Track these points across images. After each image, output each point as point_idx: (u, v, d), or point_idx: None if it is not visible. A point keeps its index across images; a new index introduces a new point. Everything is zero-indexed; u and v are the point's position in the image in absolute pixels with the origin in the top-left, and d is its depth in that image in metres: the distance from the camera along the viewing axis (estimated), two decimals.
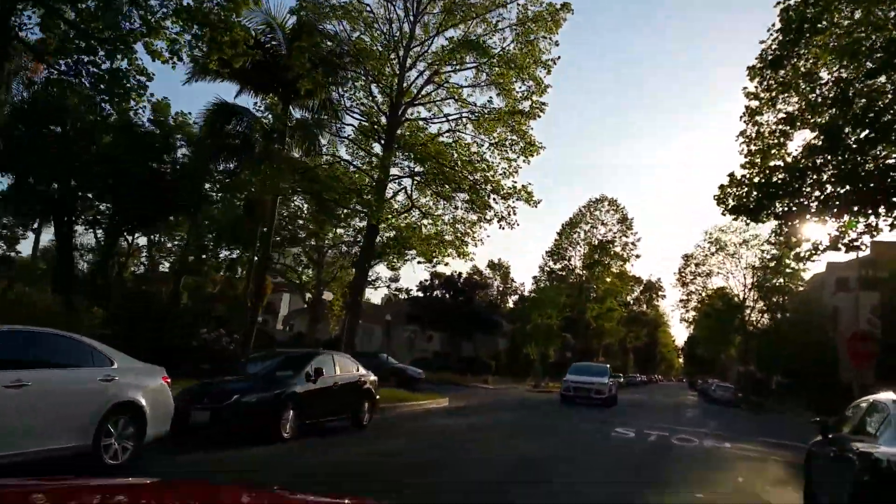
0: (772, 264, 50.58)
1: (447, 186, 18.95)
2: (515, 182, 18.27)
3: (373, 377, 12.69)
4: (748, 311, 52.74)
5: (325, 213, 20.77)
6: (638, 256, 53.01)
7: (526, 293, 48.98)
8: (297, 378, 9.98)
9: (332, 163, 19.74)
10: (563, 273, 54.59)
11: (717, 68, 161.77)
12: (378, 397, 12.79)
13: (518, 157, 18.39)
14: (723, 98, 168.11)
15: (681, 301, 54.37)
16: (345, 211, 19.04)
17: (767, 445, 15.34)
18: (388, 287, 46.56)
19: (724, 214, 14.42)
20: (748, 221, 14.02)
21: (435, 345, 54.93)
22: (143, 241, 40.25)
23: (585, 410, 19.44)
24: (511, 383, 42.27)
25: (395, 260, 43.19)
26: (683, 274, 53.09)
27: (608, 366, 27.25)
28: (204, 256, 39.59)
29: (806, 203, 13.15)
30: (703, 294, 52.93)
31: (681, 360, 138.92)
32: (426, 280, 50.64)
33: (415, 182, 19.68)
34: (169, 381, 7.46)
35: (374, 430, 11.67)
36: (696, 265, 52.77)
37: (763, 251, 49.87)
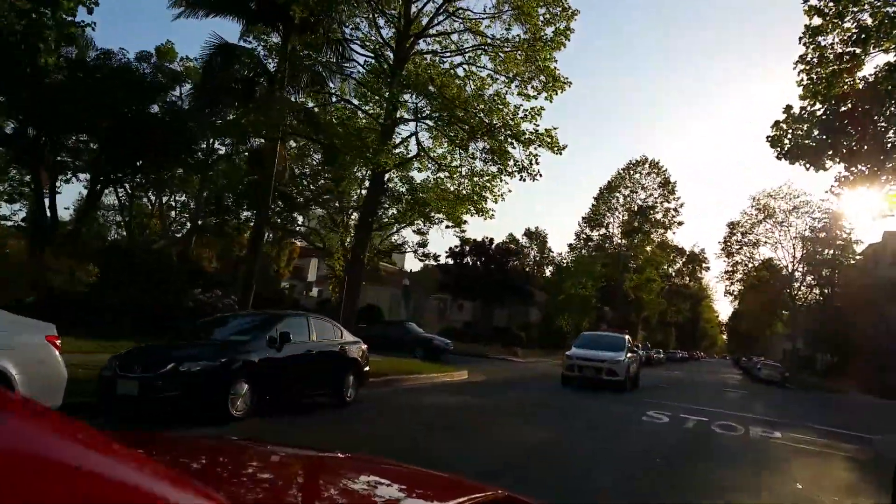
0: (822, 235, 47.10)
1: (461, 130, 16.90)
2: (537, 126, 16.10)
3: (362, 346, 11.01)
4: (797, 285, 49.45)
5: (329, 159, 18.96)
6: (681, 224, 50.02)
7: (561, 262, 46.55)
8: (255, 344, 8.36)
9: (339, 107, 17.95)
10: (601, 241, 52.03)
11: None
12: (367, 369, 11.11)
13: (539, 93, 16.18)
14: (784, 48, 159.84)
15: (725, 273, 51.30)
16: (347, 157, 17.23)
17: (824, 435, 13.21)
18: (416, 253, 44.94)
19: (779, 158, 12.07)
20: (808, 166, 11.67)
21: (466, 314, 53.41)
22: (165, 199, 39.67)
23: (610, 392, 17.49)
24: (542, 356, 40.46)
25: (421, 222, 41.65)
26: (729, 243, 49.88)
27: (626, 336, 21.40)
28: (227, 217, 38.67)
29: (882, 140, 10.78)
30: (750, 265, 49.73)
31: (724, 337, 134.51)
32: (456, 246, 48.91)
33: (423, 125, 17.62)
34: (58, 340, 5.89)
35: (357, 409, 10.04)
36: (743, 234, 49.50)
37: (815, 218, 46.35)
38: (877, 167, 11.08)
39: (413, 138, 17.92)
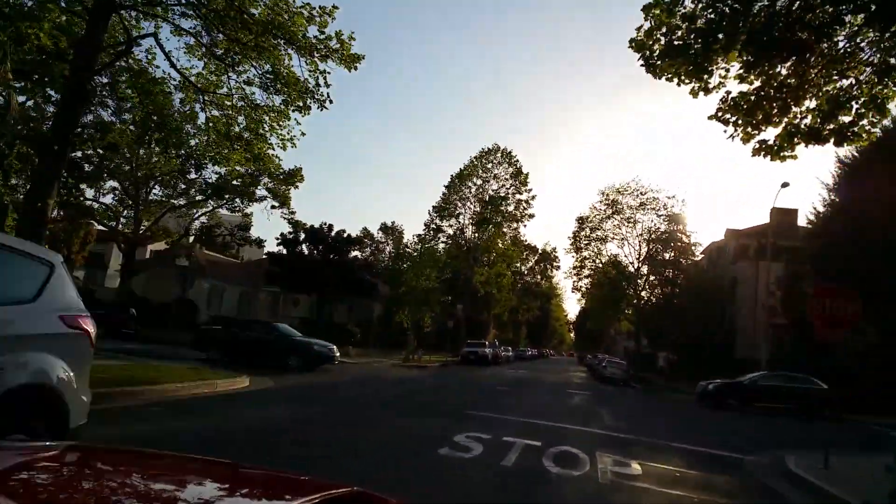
0: (664, 236, 47.36)
1: (219, 34, 11.75)
2: (324, 31, 11.38)
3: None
4: (641, 283, 49.42)
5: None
6: (532, 216, 47.95)
7: (403, 250, 42.22)
8: None
9: None
10: (452, 233, 48.65)
11: None
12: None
13: None
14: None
15: (573, 268, 50.14)
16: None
17: (691, 461, 9.74)
18: (232, 236, 38.49)
19: (649, 71, 8.33)
20: (685, 78, 7.99)
21: (302, 310, 47.57)
22: None
23: (443, 393, 13.26)
24: (379, 356, 36.01)
25: (239, 201, 35.31)
26: (578, 238, 48.75)
27: None
28: None
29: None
30: (597, 261, 48.93)
31: (572, 335, 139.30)
32: (289, 232, 43.03)
33: (164, 16, 12.13)
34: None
35: None
36: (591, 229, 48.58)
37: (660, 216, 46.36)
38: (783, 66, 7.63)
39: (152, 40, 12.35)
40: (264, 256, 48.88)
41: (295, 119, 13.46)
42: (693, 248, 48.61)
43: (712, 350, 39.12)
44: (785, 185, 25.61)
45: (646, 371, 48.62)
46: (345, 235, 43.25)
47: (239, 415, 10.30)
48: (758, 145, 8.74)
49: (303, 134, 13.61)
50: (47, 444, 2.18)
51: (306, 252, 43.98)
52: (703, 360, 39.11)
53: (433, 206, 48.66)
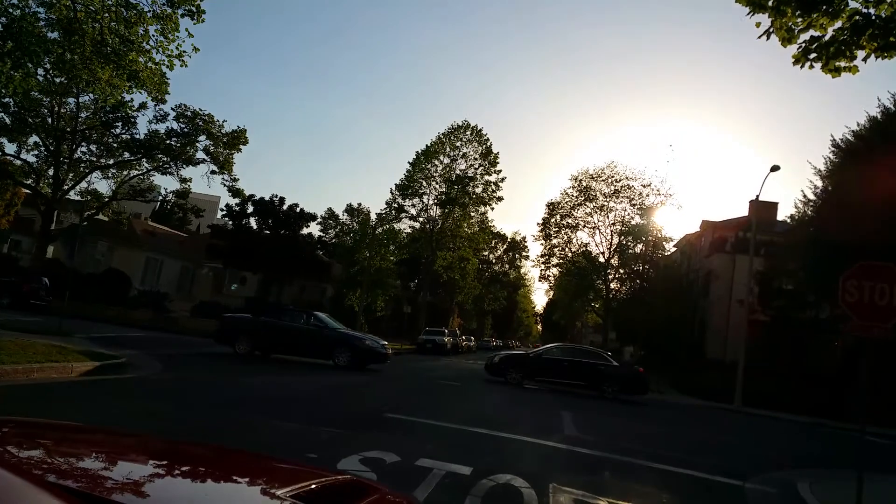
0: (635, 230, 45.10)
1: None
2: None
3: None
4: (611, 274, 47.19)
5: None
6: (500, 199, 45.16)
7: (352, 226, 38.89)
8: None
9: None
10: (416, 213, 45.62)
11: None
12: None
13: None
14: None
15: (542, 256, 47.64)
16: None
17: (678, 484, 7.06)
18: (167, 202, 34.64)
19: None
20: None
21: (250, 289, 44.14)
22: None
23: (373, 388, 10.38)
24: None
25: (168, 159, 31.63)
26: (548, 225, 46.24)
27: None
28: None
29: None
30: (567, 249, 46.48)
31: (539, 327, 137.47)
32: (237, 204, 39.54)
33: None
34: None
35: None
36: (562, 216, 46.09)
37: (634, 205, 44.06)
38: None
39: None
40: (208, 229, 45.28)
41: (186, 29, 10.35)
42: (664, 242, 46.61)
43: (682, 345, 37.04)
44: (775, 168, 23.20)
45: None
46: (297, 210, 39.93)
47: (62, 411, 7.26)
48: (805, 45, 5.96)
49: (196, 49, 10.56)
50: None
51: (255, 227, 40.59)
52: (671, 355, 37.04)
53: (396, 184, 45.54)
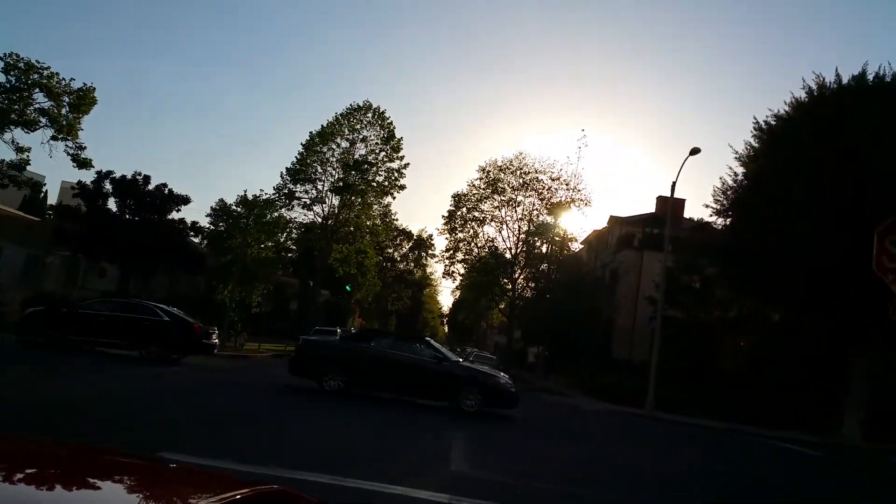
0: (543, 228, 43.10)
1: None
2: None
3: None
4: (518, 273, 44.97)
5: None
6: (403, 187, 41.71)
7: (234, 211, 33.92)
8: None
9: None
10: (309, 201, 41.34)
11: None
12: None
13: None
14: None
15: (447, 250, 44.75)
16: None
17: None
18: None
19: None
20: None
21: (109, 281, 38.09)
22: None
23: (196, 401, 6.55)
24: None
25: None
26: (453, 217, 43.35)
27: None
28: None
29: None
30: (473, 244, 43.81)
31: (446, 329, 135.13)
32: (92, 181, 33.76)
33: None
34: None
35: None
36: (469, 209, 43.37)
37: (542, 199, 41.99)
38: None
39: None
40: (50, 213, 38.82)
41: None
42: (571, 242, 44.96)
43: (588, 345, 35.18)
44: (695, 151, 21.26)
45: (517, 367, 44.33)
46: (166, 190, 34.65)
47: None
48: None
49: None
50: None
51: (116, 210, 34.89)
52: (577, 355, 35.10)
53: (287, 168, 41.02)
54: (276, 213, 36.78)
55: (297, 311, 34.21)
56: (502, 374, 15.78)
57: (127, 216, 34.36)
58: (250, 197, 31.60)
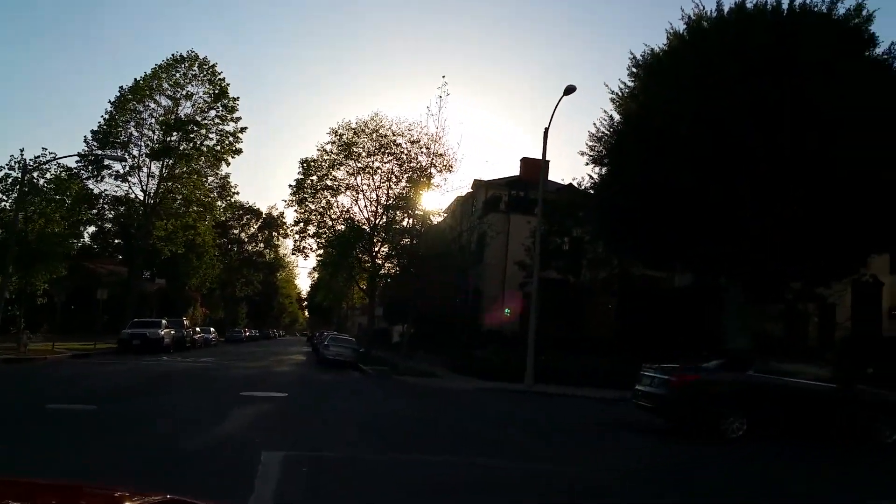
0: (402, 203, 39.70)
1: None
2: None
3: None
4: (378, 246, 41.32)
5: None
6: (238, 152, 36.18)
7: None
8: None
9: None
10: (123, 170, 34.50)
11: None
12: None
13: None
14: None
15: (296, 223, 39.90)
16: None
17: None
18: None
19: None
20: None
21: None
22: None
23: None
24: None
25: None
26: (303, 188, 38.53)
27: None
28: None
29: None
30: (326, 216, 39.36)
31: (306, 314, 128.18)
32: None
33: None
34: None
35: None
36: (320, 177, 38.79)
37: (401, 163, 38.49)
38: None
39: None
40: None
41: None
42: (433, 215, 42.00)
43: (456, 318, 32.62)
44: (570, 89, 18.78)
45: (381, 348, 40.89)
46: None
47: None
48: None
49: None
50: None
51: None
52: (446, 331, 32.44)
53: (92, 131, 33.79)
54: (78, 185, 29.94)
55: (109, 301, 27.95)
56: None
57: None
58: (30, 159, 24.69)
